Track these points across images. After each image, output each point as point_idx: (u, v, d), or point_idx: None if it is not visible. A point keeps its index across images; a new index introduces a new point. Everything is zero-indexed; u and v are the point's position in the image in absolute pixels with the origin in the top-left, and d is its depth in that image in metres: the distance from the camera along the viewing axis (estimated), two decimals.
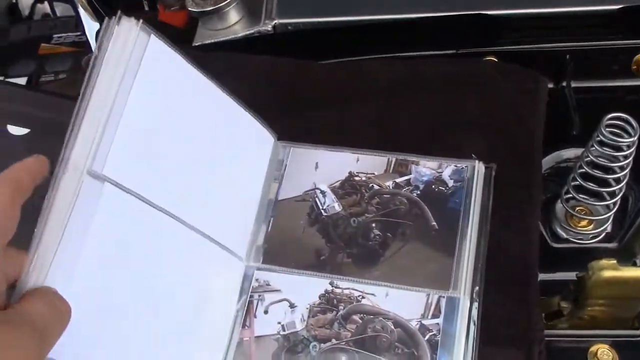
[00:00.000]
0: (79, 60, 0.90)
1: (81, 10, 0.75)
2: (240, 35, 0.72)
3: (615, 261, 0.52)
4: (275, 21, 0.71)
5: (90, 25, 0.76)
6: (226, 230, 0.54)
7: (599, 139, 0.56)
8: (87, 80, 0.44)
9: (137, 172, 0.46)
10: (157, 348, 0.47)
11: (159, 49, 0.48)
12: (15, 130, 0.59)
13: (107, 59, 0.44)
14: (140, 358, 0.46)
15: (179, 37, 0.76)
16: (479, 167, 0.57)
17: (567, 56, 0.68)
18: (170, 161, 0.49)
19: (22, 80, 0.90)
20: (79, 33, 0.94)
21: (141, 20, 0.47)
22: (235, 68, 0.66)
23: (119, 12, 0.45)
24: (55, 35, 0.95)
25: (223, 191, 0.54)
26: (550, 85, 0.67)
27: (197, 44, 0.73)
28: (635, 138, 0.55)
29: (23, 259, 0.39)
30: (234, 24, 0.73)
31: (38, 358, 0.36)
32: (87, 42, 0.80)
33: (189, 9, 0.72)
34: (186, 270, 0.50)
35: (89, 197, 0.42)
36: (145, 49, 0.46)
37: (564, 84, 0.69)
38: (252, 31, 0.71)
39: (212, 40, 0.72)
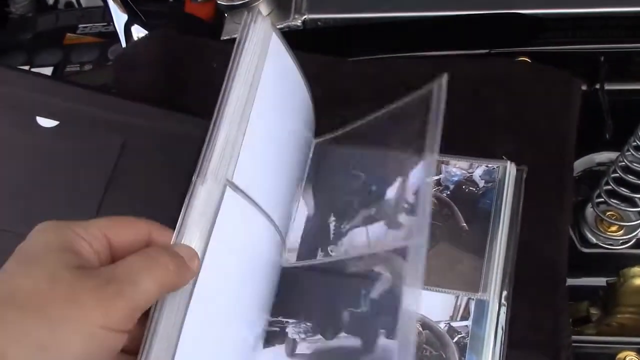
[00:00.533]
0: (105, 51, 0.90)
1: (110, 1, 0.75)
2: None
3: None
4: (305, 16, 0.70)
5: (119, 16, 0.76)
6: (286, 226, 0.53)
7: (635, 143, 0.55)
8: (224, 88, 0.43)
9: (252, 177, 0.45)
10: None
11: (278, 50, 0.47)
12: (44, 122, 0.59)
13: (242, 63, 0.44)
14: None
15: (206, 30, 0.76)
16: (511, 168, 0.56)
17: (602, 58, 0.67)
18: (267, 160, 0.48)
19: (47, 70, 0.90)
20: (105, 23, 0.94)
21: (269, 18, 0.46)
22: None
23: (257, 10, 0.45)
24: (80, 26, 0.95)
25: (289, 188, 0.53)
26: (584, 88, 0.67)
27: (225, 38, 0.72)
28: None
29: None
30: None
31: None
32: (114, 33, 0.80)
33: (218, 1, 0.72)
34: (271, 268, 0.50)
35: (225, 205, 0.41)
36: (268, 50, 0.46)
37: (598, 86, 0.68)
38: (281, 26, 0.70)
39: None
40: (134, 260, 0.37)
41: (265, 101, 0.46)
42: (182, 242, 0.40)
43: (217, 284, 0.42)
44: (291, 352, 0.52)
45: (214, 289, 0.41)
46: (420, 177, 0.52)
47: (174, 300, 0.38)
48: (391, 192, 0.54)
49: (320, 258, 0.55)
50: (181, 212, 0.40)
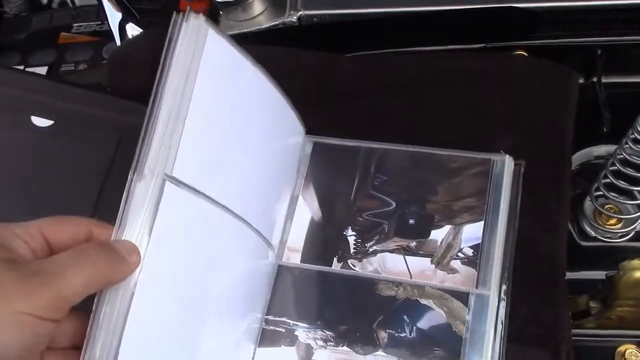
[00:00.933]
0: (100, 50, 0.90)
1: (104, 0, 0.75)
2: (264, 26, 0.71)
3: None
4: (301, 12, 0.70)
5: (113, 15, 0.76)
6: (268, 224, 0.53)
7: (633, 136, 0.55)
8: (157, 83, 0.44)
9: (201, 171, 0.45)
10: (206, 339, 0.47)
11: (216, 42, 0.47)
12: (39, 121, 0.59)
13: (177, 58, 0.44)
14: (192, 349, 0.46)
15: None
16: (509, 162, 0.56)
17: (599, 51, 0.67)
18: (225, 155, 0.48)
19: (42, 70, 0.89)
20: (99, 22, 0.93)
21: (203, 14, 0.46)
22: (259, 60, 0.65)
23: (188, 8, 0.45)
24: (75, 25, 0.94)
25: (265, 184, 0.53)
26: (581, 81, 0.67)
27: None
28: None
29: None
30: (258, 15, 0.72)
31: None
32: (109, 32, 0.79)
33: None
34: (237, 263, 0.50)
35: (165, 199, 0.42)
36: (204, 43, 0.46)
37: (595, 79, 0.68)
38: (276, 22, 0.70)
39: (236, 32, 0.71)
40: (63, 255, 0.38)
41: (206, 96, 0.46)
42: (122, 238, 0.41)
43: (163, 276, 0.42)
44: (306, 356, 0.52)
45: (159, 282, 0.42)
46: (479, 238, 0.54)
47: (117, 293, 0.39)
48: (439, 235, 0.55)
49: (339, 268, 0.55)
50: (120, 209, 0.41)
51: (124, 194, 0.41)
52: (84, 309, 0.40)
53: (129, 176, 0.42)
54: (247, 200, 0.50)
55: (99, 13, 0.91)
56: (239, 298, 0.51)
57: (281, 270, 0.55)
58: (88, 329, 0.39)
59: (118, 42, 0.76)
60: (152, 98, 0.44)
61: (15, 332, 0.35)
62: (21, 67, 0.87)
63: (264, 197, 0.53)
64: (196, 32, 0.46)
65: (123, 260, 0.39)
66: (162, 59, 0.45)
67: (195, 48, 0.45)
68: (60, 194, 0.57)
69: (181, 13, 0.45)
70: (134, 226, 0.41)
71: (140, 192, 0.41)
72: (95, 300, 0.39)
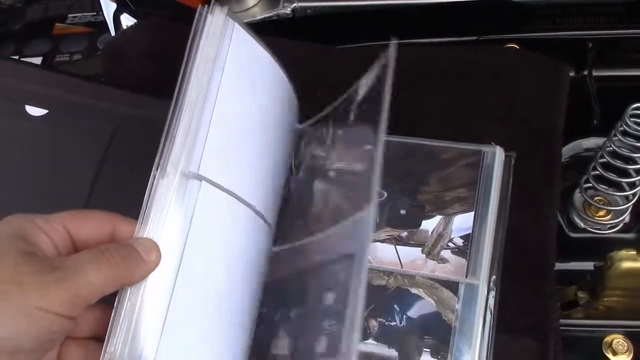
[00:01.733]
0: (95, 41, 0.90)
1: None
2: (258, 17, 0.71)
3: (635, 252, 0.52)
4: (295, 4, 0.70)
5: (108, 5, 0.76)
6: (273, 215, 0.53)
7: (622, 128, 0.56)
8: (181, 77, 0.43)
9: (225, 167, 0.45)
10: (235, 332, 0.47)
11: (241, 36, 0.47)
12: (34, 111, 0.59)
13: (201, 52, 0.44)
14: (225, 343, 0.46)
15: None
16: (499, 154, 0.56)
17: (589, 44, 0.68)
18: (245, 148, 0.48)
19: (36, 60, 0.89)
20: (94, 13, 0.93)
21: (227, 8, 0.46)
22: None
23: (212, 1, 0.45)
24: (70, 15, 0.94)
25: (274, 177, 0.53)
26: (572, 74, 0.67)
27: None
28: None
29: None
30: (252, 7, 0.72)
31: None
32: (103, 22, 0.79)
33: None
34: (257, 257, 0.50)
35: (189, 197, 0.42)
36: (231, 37, 0.45)
37: (586, 72, 0.68)
38: (270, 14, 0.71)
39: None
40: (84, 253, 0.38)
41: (229, 89, 0.46)
42: (144, 236, 0.41)
43: (188, 274, 0.42)
44: None
45: (184, 279, 0.41)
46: (469, 228, 0.54)
47: (138, 290, 0.39)
48: (429, 225, 0.55)
49: None
50: (142, 206, 0.41)
51: (147, 191, 0.41)
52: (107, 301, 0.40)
53: (152, 173, 0.41)
54: (263, 195, 0.50)
55: (94, 4, 0.91)
56: (256, 292, 0.51)
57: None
58: (109, 324, 0.39)
59: (113, 33, 0.76)
60: (176, 92, 0.43)
61: (28, 326, 0.35)
62: (16, 58, 0.87)
63: (273, 190, 0.53)
64: (221, 26, 0.45)
65: (141, 261, 0.39)
66: (186, 52, 0.44)
67: (221, 42, 0.45)
68: (54, 183, 0.57)
69: (206, 5, 0.45)
70: (156, 224, 0.41)
71: (163, 189, 0.41)
72: (117, 296, 0.39)
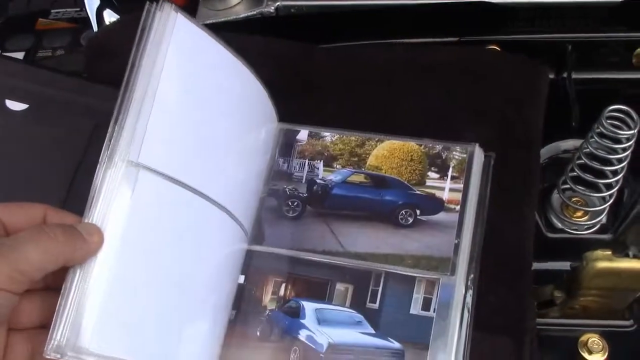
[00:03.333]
0: (77, 37, 0.90)
1: None
2: (242, 16, 0.71)
3: (610, 252, 0.53)
4: (278, 3, 0.70)
5: (91, 1, 0.76)
6: (241, 206, 0.54)
7: (598, 130, 0.56)
8: (128, 71, 0.45)
9: (170, 156, 0.46)
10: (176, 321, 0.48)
11: (187, 29, 0.48)
12: (14, 105, 0.59)
13: (149, 46, 0.45)
14: (162, 330, 0.46)
15: None
16: (478, 152, 0.57)
17: (569, 47, 0.68)
18: (195, 138, 0.49)
19: (19, 55, 0.89)
20: (77, 9, 0.93)
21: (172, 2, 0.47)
22: (236, 49, 0.66)
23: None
24: (53, 11, 0.94)
25: (238, 168, 0.54)
26: (551, 76, 0.68)
27: None
28: (635, 131, 0.56)
29: None
30: (235, 5, 0.72)
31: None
32: (87, 19, 0.79)
33: None
34: (208, 245, 0.51)
35: (130, 185, 0.43)
36: (173, 29, 0.47)
37: (565, 75, 0.69)
38: (254, 12, 0.71)
39: (213, 21, 0.71)
40: (22, 233, 0.40)
41: (174, 82, 0.47)
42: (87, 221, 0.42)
43: (128, 259, 0.43)
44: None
45: (124, 264, 0.43)
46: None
47: (81, 274, 0.41)
48: None
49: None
50: (90, 193, 0.43)
51: (94, 180, 0.43)
52: (54, 289, 0.41)
53: (99, 161, 0.43)
54: (220, 185, 0.51)
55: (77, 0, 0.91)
56: (211, 282, 0.51)
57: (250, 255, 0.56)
58: (55, 312, 0.40)
59: (95, 29, 0.76)
60: (123, 85, 0.45)
61: None
62: None
63: (238, 181, 0.54)
64: (166, 20, 0.46)
65: (82, 239, 0.40)
66: (134, 47, 0.45)
67: (164, 34, 0.46)
68: (33, 179, 0.57)
69: (154, 2, 0.46)
70: (100, 210, 0.42)
71: (107, 177, 0.43)
72: (64, 282, 0.41)
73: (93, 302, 0.41)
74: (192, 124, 0.49)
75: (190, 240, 0.48)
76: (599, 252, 0.53)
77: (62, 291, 0.40)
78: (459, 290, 0.52)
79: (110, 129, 0.44)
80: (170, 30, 0.47)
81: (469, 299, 0.52)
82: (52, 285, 0.43)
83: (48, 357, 0.39)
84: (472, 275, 0.53)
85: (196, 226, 0.49)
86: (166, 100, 0.46)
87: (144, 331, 0.44)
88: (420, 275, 0.53)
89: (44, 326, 0.42)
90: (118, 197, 0.43)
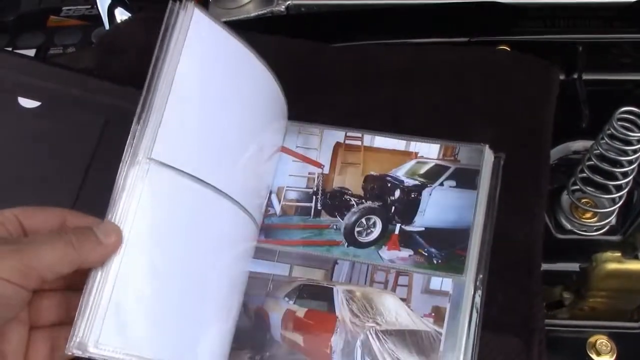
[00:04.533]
0: (88, 34, 0.90)
1: None
2: (252, 14, 0.72)
3: (619, 254, 0.53)
4: (289, 2, 0.70)
5: None
6: (255, 204, 0.55)
7: (609, 132, 0.56)
8: (151, 70, 0.45)
9: (190, 153, 0.47)
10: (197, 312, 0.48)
11: (208, 26, 0.49)
12: (26, 102, 0.59)
13: (173, 45, 0.46)
14: (183, 322, 0.47)
15: None
16: (488, 153, 0.57)
17: (580, 48, 0.68)
18: (214, 136, 0.50)
19: (30, 52, 0.89)
20: (89, 6, 0.93)
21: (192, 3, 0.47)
22: None
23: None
24: (64, 8, 0.94)
25: (252, 164, 0.54)
26: (562, 77, 0.68)
27: None
28: None
29: None
30: (246, 3, 0.72)
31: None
32: (98, 16, 0.79)
33: None
34: (224, 240, 0.51)
35: (148, 182, 0.44)
36: (189, 25, 0.47)
37: (575, 75, 0.69)
38: (265, 11, 0.71)
39: (224, 19, 0.72)
40: (41, 234, 0.42)
41: (196, 82, 0.47)
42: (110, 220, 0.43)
43: (148, 257, 0.44)
44: None
45: (145, 262, 0.43)
46: None
47: (103, 273, 0.41)
48: None
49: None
50: (112, 193, 0.43)
51: (117, 178, 0.43)
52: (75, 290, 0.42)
53: (122, 159, 0.43)
54: (237, 181, 0.51)
55: None
56: (229, 277, 0.51)
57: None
58: (79, 305, 0.41)
59: (107, 27, 0.76)
60: (146, 84, 0.45)
61: None
62: (9, 49, 0.87)
63: (250, 176, 0.54)
64: (189, 19, 0.47)
65: (97, 243, 0.41)
66: (157, 46, 0.45)
67: (187, 33, 0.46)
68: (45, 175, 0.57)
69: (177, 1, 0.46)
70: (123, 208, 0.43)
71: (130, 175, 0.43)
72: (87, 277, 0.41)
73: (115, 300, 0.41)
74: (212, 122, 0.49)
75: (211, 238, 0.49)
76: (609, 254, 0.53)
77: (84, 288, 0.41)
78: (468, 290, 0.52)
79: (133, 127, 0.44)
80: (194, 29, 0.47)
81: (477, 299, 0.52)
82: (72, 286, 0.44)
83: (69, 353, 0.40)
84: (481, 276, 0.53)
85: (217, 224, 0.49)
86: (188, 99, 0.46)
87: (165, 328, 0.45)
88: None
89: (63, 324, 0.43)
90: (142, 195, 0.43)
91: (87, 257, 0.41)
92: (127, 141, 0.44)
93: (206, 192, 0.48)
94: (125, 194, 0.43)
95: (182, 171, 0.46)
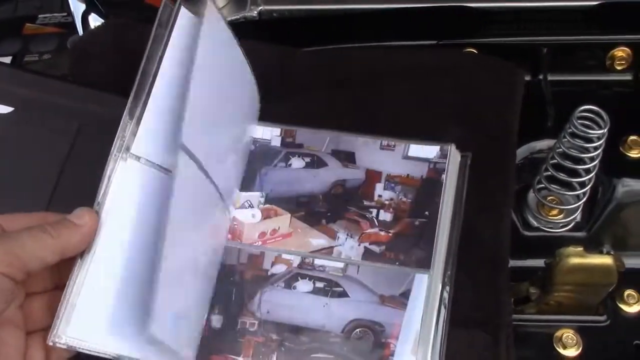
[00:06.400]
0: (64, 41, 0.90)
1: None
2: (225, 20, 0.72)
3: (581, 248, 0.54)
4: (261, 7, 0.71)
5: (77, 6, 0.77)
6: (230, 187, 0.57)
7: (570, 130, 0.58)
8: (142, 69, 0.50)
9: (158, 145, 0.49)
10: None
11: (187, 18, 0.52)
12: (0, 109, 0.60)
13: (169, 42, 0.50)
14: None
15: None
16: (454, 152, 0.58)
17: (545, 50, 0.70)
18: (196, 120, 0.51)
19: (6, 60, 0.89)
20: (64, 14, 0.94)
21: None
22: None
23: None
24: (40, 16, 0.94)
25: (226, 151, 0.56)
26: (527, 78, 0.69)
27: None
28: (605, 130, 0.57)
29: None
30: (220, 9, 0.73)
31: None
32: (73, 23, 0.80)
33: None
34: (204, 221, 0.53)
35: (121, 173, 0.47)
36: (202, 25, 0.51)
37: (541, 76, 0.70)
38: (237, 17, 0.72)
39: None
40: (22, 229, 0.43)
41: (175, 63, 0.51)
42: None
43: (130, 246, 0.46)
44: None
45: (117, 244, 0.46)
46: None
47: (78, 263, 0.44)
48: None
49: None
50: (99, 186, 0.47)
51: (105, 170, 0.47)
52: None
53: (110, 153, 0.47)
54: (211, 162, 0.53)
55: (63, 4, 0.92)
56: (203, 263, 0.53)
57: None
58: (61, 298, 0.44)
59: (81, 33, 0.77)
60: (135, 84, 0.49)
61: None
62: None
63: (223, 162, 0.56)
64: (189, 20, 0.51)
65: (73, 227, 0.43)
66: (149, 43, 0.50)
67: (195, 30, 0.51)
68: (18, 180, 0.58)
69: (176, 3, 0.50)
70: (109, 199, 0.46)
71: (118, 169, 0.47)
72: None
73: (92, 292, 0.44)
74: (199, 115, 0.51)
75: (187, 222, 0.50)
76: (571, 249, 0.54)
77: (67, 282, 0.44)
78: (436, 286, 0.53)
79: (122, 122, 0.47)
80: (204, 25, 0.51)
81: (445, 295, 0.53)
82: (61, 286, 0.45)
83: (50, 344, 0.42)
84: (448, 272, 0.54)
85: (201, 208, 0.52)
86: (166, 87, 0.50)
87: (145, 310, 0.45)
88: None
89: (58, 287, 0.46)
90: (129, 188, 0.46)
91: (68, 242, 0.43)
92: (117, 134, 0.47)
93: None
94: (112, 187, 0.46)
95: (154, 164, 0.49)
